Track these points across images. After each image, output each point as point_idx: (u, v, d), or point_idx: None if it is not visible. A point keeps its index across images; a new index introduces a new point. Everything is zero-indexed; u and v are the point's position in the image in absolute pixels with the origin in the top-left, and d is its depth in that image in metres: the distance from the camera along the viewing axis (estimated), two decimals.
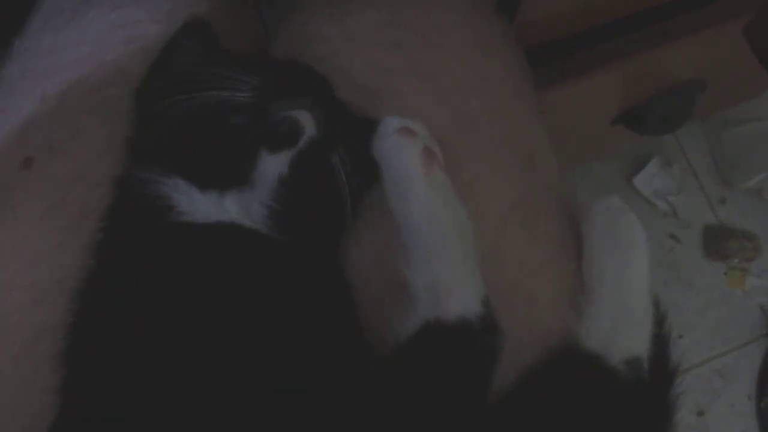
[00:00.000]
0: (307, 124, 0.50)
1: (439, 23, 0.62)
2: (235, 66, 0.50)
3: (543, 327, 0.53)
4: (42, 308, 0.51)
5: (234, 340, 0.45)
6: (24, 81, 0.59)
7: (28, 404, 0.49)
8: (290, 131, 0.49)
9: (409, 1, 0.62)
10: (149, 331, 0.46)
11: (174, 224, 0.49)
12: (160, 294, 0.47)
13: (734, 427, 1.17)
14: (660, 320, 0.54)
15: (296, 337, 0.47)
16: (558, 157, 0.64)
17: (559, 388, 0.50)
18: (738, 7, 0.82)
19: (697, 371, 1.19)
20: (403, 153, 0.50)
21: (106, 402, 0.44)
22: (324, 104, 0.51)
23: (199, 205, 0.49)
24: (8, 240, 0.53)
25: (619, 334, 0.51)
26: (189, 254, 0.48)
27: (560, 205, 0.60)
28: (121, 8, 0.60)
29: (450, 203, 0.50)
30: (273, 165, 0.49)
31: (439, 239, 0.48)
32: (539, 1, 0.71)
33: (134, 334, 0.46)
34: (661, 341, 0.54)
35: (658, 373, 0.53)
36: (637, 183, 1.26)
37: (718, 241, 1.25)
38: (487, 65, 0.63)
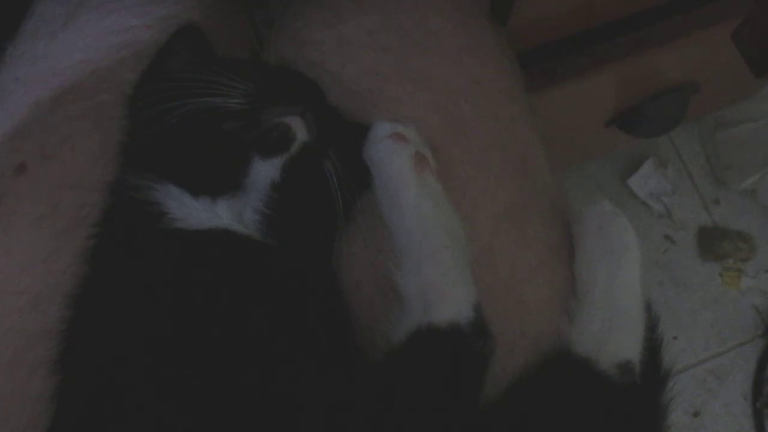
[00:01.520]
0: (299, 129, 0.50)
1: (432, 28, 0.62)
2: (227, 72, 0.50)
3: (535, 331, 0.53)
4: (35, 314, 0.51)
5: (227, 347, 0.45)
6: (17, 87, 0.59)
7: (21, 411, 0.48)
8: (282, 137, 0.49)
9: (401, 6, 0.62)
10: (143, 338, 0.46)
11: (167, 230, 0.49)
12: (153, 301, 0.47)
13: (729, 427, 1.18)
14: (653, 324, 0.55)
15: (290, 342, 0.47)
16: (552, 159, 0.64)
17: (550, 393, 0.50)
18: (730, 8, 0.83)
19: (692, 372, 1.20)
20: (395, 158, 0.50)
21: (101, 408, 0.44)
22: (316, 110, 0.51)
23: (191, 211, 0.49)
24: (1, 246, 0.53)
25: (610, 338, 0.51)
26: (182, 261, 0.48)
27: (553, 208, 0.60)
28: (114, 14, 0.60)
29: (441, 208, 0.50)
30: (265, 171, 0.49)
31: (431, 244, 0.48)
32: (532, 4, 0.72)
33: (128, 340, 0.46)
34: (653, 345, 0.54)
35: (651, 377, 0.53)
36: (632, 184, 1.27)
37: (713, 242, 1.25)
38: (480, 69, 0.63)
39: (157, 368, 0.45)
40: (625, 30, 0.83)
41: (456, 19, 0.64)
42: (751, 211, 1.28)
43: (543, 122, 0.66)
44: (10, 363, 0.49)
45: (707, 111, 1.20)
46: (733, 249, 1.24)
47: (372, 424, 0.43)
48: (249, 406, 0.43)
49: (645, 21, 0.83)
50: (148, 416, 0.43)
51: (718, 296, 1.24)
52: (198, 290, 0.47)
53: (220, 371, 0.45)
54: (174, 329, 0.46)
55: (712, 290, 1.24)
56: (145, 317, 0.47)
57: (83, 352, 0.48)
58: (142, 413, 0.43)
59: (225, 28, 0.64)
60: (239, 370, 0.45)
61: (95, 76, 0.58)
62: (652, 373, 0.54)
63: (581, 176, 1.26)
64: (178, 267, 0.48)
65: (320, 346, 0.48)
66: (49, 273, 0.52)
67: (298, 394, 0.44)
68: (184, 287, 0.47)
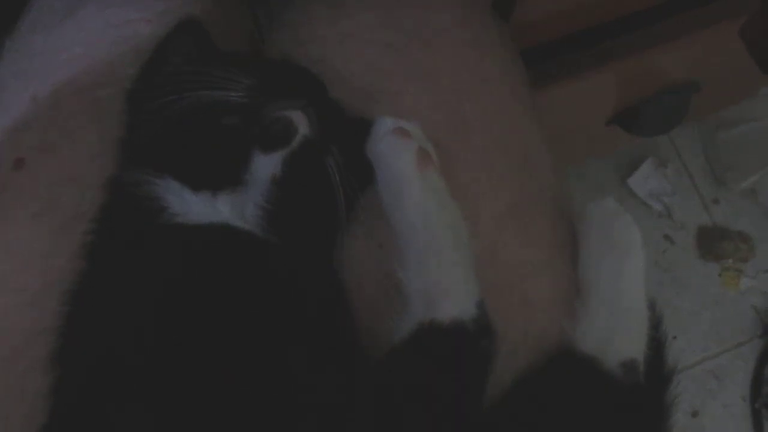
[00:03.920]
0: (301, 124, 0.49)
1: (435, 25, 0.62)
2: (228, 66, 0.50)
3: (538, 329, 0.52)
4: (33, 311, 0.50)
5: (227, 343, 0.45)
6: (15, 82, 0.59)
7: (18, 408, 0.48)
8: (283, 131, 0.49)
9: (404, 3, 0.62)
10: (142, 334, 0.45)
11: (166, 225, 0.48)
12: (152, 296, 0.46)
13: (728, 428, 1.18)
14: (656, 322, 0.54)
15: (290, 339, 0.46)
16: (553, 157, 0.63)
17: (554, 392, 0.49)
18: (733, 7, 0.83)
19: (692, 372, 1.20)
20: (397, 154, 0.50)
21: (98, 406, 0.44)
22: (318, 104, 0.50)
23: (191, 206, 0.49)
24: None
25: (614, 336, 0.50)
26: (182, 256, 0.48)
27: (556, 207, 0.60)
28: (114, 8, 0.59)
29: (445, 205, 0.49)
30: (266, 165, 0.49)
31: (434, 241, 0.47)
32: (535, 1, 0.71)
33: (127, 336, 0.46)
34: (657, 343, 0.54)
35: (655, 375, 0.53)
36: (632, 184, 1.27)
37: (713, 242, 1.25)
38: (483, 66, 0.63)
39: (155, 365, 0.44)
40: (626, 29, 0.83)
41: (459, 16, 0.63)
42: (750, 212, 1.28)
43: (544, 120, 0.65)
44: (7, 360, 0.49)
45: (708, 111, 1.20)
46: (732, 249, 1.24)
47: (373, 423, 0.43)
48: (248, 404, 0.43)
49: (647, 19, 0.83)
50: (145, 413, 0.43)
51: (718, 296, 1.24)
52: (197, 286, 0.47)
53: (219, 368, 0.44)
54: (172, 325, 0.45)
55: (711, 290, 1.24)
56: (144, 313, 0.46)
57: (81, 348, 0.48)
58: (140, 410, 0.43)
59: (226, 22, 0.63)
60: (238, 368, 0.44)
61: (94, 70, 0.57)
62: (655, 371, 0.53)
63: (581, 175, 1.26)
64: (178, 262, 0.48)
65: (321, 344, 0.47)
66: (47, 269, 0.51)
67: (298, 393, 0.44)
68: (184, 283, 0.47)
